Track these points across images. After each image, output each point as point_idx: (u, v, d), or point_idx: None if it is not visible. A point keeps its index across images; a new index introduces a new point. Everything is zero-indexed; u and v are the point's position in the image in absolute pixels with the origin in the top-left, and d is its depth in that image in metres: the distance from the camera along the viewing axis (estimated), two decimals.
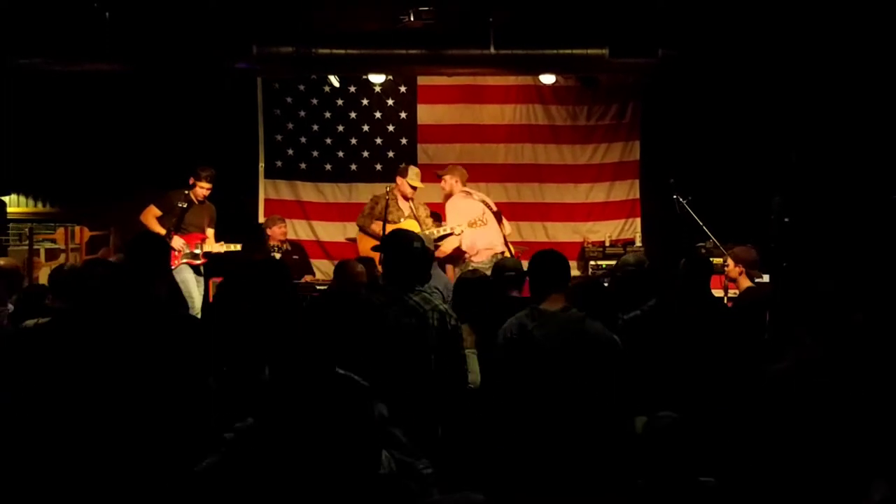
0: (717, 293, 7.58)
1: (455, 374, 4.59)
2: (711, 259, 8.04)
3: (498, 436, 4.43)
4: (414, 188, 8.70)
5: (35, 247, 8.93)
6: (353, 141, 10.63)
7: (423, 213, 8.82)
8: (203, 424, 4.05)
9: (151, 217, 8.50)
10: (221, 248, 8.53)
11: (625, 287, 5.71)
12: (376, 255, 8.09)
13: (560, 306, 4.44)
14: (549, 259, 4.62)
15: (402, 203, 8.70)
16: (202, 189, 8.55)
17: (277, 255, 8.94)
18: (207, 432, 3.93)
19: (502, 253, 8.45)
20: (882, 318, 4.63)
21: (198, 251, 8.43)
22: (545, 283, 4.53)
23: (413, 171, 8.79)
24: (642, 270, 5.91)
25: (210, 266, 8.50)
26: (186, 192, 8.48)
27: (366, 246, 8.66)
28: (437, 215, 9.22)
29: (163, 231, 8.25)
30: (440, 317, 4.49)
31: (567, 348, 4.33)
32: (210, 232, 8.74)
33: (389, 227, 8.54)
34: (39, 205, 9.90)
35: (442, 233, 8.56)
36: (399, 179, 8.79)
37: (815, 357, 4.21)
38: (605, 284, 6.11)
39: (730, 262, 6.81)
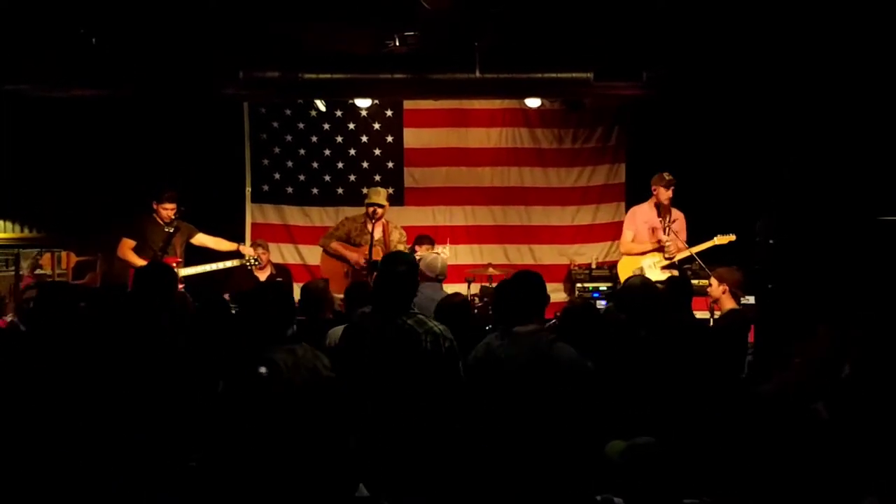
0: (703, 315, 7.62)
1: (452, 395, 4.59)
2: (697, 282, 8.15)
3: (466, 454, 4.44)
4: (374, 207, 8.62)
5: (21, 272, 8.89)
6: (340, 165, 10.65)
7: (396, 237, 8.78)
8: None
9: (128, 250, 8.41)
10: (196, 269, 8.50)
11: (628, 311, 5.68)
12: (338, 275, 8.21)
13: (532, 328, 4.46)
14: (524, 281, 4.63)
15: (372, 227, 8.67)
16: (165, 210, 8.50)
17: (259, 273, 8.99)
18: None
19: None
20: (869, 337, 4.66)
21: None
22: (518, 305, 4.54)
23: (373, 191, 8.81)
24: (650, 292, 5.86)
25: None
26: (174, 217, 8.45)
27: (328, 265, 8.70)
28: (430, 238, 9.24)
29: (142, 262, 8.19)
30: (434, 339, 4.46)
31: (530, 370, 4.34)
32: (203, 237, 8.73)
33: (352, 249, 8.66)
34: (26, 230, 9.87)
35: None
36: (365, 202, 8.83)
37: (803, 377, 4.25)
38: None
39: (713, 282, 6.83)
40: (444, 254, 8.49)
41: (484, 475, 4.37)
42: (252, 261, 8.74)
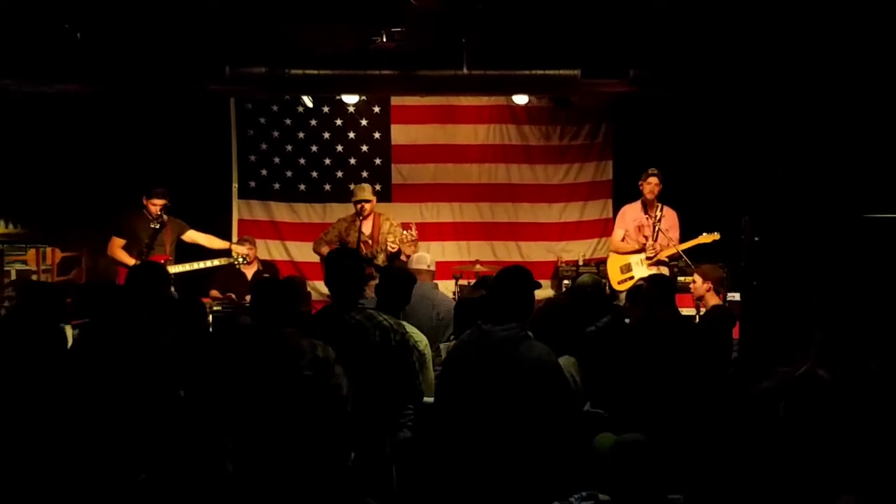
0: (689, 312, 7.67)
1: (404, 390, 4.57)
2: (683, 278, 8.20)
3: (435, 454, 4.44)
4: (361, 203, 8.63)
5: (6, 268, 8.87)
6: (327, 161, 10.66)
7: (386, 228, 8.76)
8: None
9: (117, 249, 8.43)
10: (184, 268, 8.50)
11: (582, 307, 5.71)
12: None
13: (507, 326, 4.35)
14: (507, 276, 4.53)
15: (362, 225, 8.66)
16: (154, 206, 8.49)
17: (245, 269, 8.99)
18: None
19: None
20: (855, 337, 4.70)
21: None
22: (499, 300, 4.47)
23: (357, 188, 8.81)
24: (599, 290, 5.94)
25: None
26: (159, 213, 8.45)
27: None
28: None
29: (132, 261, 8.21)
30: (382, 333, 4.47)
31: (494, 370, 4.25)
32: (195, 234, 8.74)
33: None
34: (10, 226, 9.83)
35: (388, 249, 8.51)
36: (352, 200, 8.81)
37: (802, 373, 4.28)
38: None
39: (697, 279, 6.89)
40: (410, 237, 8.45)
41: (449, 475, 4.37)
42: (240, 259, 8.74)
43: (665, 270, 8.64)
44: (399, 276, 5.62)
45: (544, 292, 9.80)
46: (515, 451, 4.19)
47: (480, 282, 5.81)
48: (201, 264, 8.61)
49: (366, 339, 4.44)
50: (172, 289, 8.24)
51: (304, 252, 10.46)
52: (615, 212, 9.89)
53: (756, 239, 6.97)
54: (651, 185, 8.80)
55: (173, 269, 8.41)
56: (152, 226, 8.43)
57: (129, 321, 4.63)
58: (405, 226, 8.59)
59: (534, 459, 4.19)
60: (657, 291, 5.55)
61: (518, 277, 4.50)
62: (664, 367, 4.94)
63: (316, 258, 10.06)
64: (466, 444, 4.28)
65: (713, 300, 6.76)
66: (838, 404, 4.26)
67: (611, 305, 5.74)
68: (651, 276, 6.39)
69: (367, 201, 8.63)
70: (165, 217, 8.52)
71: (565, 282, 9.52)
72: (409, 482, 4.53)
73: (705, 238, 8.49)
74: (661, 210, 8.84)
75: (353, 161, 10.66)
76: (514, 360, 4.25)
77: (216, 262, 8.70)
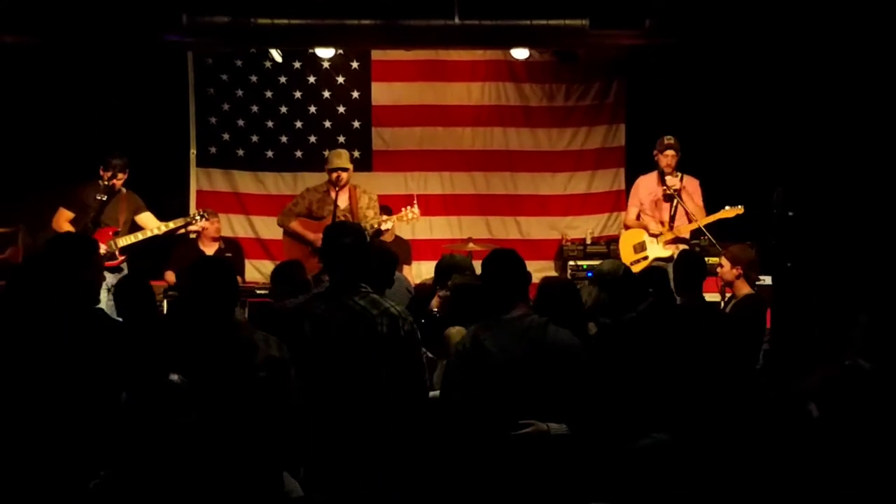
0: (714, 298, 7.64)
1: (412, 385, 4.57)
2: (706, 259, 8.17)
3: (452, 452, 4.44)
4: (337, 172, 8.51)
5: None
6: (299, 124, 10.63)
7: (365, 202, 8.70)
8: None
9: (64, 221, 8.39)
10: (134, 238, 8.43)
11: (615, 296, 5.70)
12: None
13: (518, 313, 4.43)
14: (506, 262, 4.59)
15: (338, 197, 8.59)
16: (105, 175, 8.40)
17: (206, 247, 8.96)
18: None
19: None
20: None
21: (112, 250, 8.31)
22: (505, 289, 4.52)
23: (334, 154, 8.68)
24: (618, 278, 5.91)
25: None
26: (106, 183, 8.40)
27: (290, 247, 8.64)
28: (388, 209, 9.24)
29: None
30: (391, 322, 4.43)
31: (523, 359, 4.32)
32: (147, 217, 8.66)
33: (315, 224, 8.54)
34: None
35: (381, 227, 8.48)
36: (326, 168, 8.73)
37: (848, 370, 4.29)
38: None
39: (725, 262, 6.83)
40: (412, 215, 8.45)
41: (469, 477, 4.39)
42: (196, 217, 8.69)
43: (684, 248, 8.59)
44: (382, 256, 5.59)
45: (547, 274, 9.77)
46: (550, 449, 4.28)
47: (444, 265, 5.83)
48: (150, 231, 8.52)
49: (372, 329, 4.40)
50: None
51: (271, 228, 10.37)
52: (628, 183, 9.86)
53: (790, 213, 6.95)
54: (668, 158, 8.67)
55: (122, 240, 8.36)
56: (98, 197, 8.36)
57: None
58: (406, 200, 8.54)
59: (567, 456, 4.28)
60: (684, 272, 5.52)
61: (515, 261, 4.60)
62: (687, 360, 4.93)
63: None
64: (492, 438, 4.33)
65: (744, 288, 6.68)
66: (885, 400, 4.25)
67: (644, 290, 5.68)
68: (682, 253, 6.35)
69: (345, 169, 8.56)
70: (124, 190, 8.46)
71: (570, 263, 9.50)
72: (415, 482, 4.53)
73: (728, 212, 8.44)
74: (681, 180, 8.75)
75: (327, 124, 10.62)
76: (548, 347, 4.35)
77: (170, 225, 8.61)
